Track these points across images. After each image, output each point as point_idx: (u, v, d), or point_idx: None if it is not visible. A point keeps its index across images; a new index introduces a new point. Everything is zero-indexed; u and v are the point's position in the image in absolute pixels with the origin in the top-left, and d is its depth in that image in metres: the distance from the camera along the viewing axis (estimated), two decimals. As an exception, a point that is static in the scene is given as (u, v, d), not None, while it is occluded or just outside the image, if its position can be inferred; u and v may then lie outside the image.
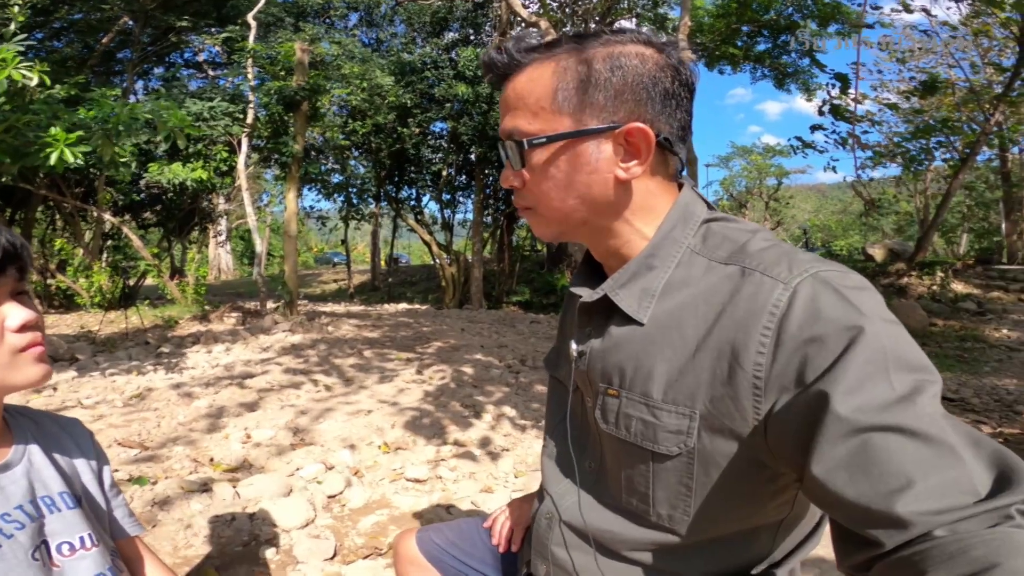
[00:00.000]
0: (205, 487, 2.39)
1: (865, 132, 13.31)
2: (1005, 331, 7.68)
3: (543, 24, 6.44)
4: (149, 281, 9.32)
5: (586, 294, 0.72)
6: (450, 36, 14.04)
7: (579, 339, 0.75)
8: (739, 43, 12.25)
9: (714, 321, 0.61)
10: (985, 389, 4.72)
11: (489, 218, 15.63)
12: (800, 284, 0.56)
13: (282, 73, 7.83)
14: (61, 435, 0.85)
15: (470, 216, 15.70)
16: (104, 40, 10.25)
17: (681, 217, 0.68)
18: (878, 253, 13.52)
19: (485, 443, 3.09)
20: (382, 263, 20.99)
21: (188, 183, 7.96)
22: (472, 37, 14.48)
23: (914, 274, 10.97)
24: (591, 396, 0.74)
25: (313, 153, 12.16)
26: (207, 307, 8.14)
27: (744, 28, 11.94)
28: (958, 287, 10.23)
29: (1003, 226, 15.69)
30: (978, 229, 17.50)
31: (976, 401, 4.33)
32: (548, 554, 0.79)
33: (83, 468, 0.85)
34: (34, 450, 0.78)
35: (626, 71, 0.63)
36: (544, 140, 0.65)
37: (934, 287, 10.24)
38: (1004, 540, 0.41)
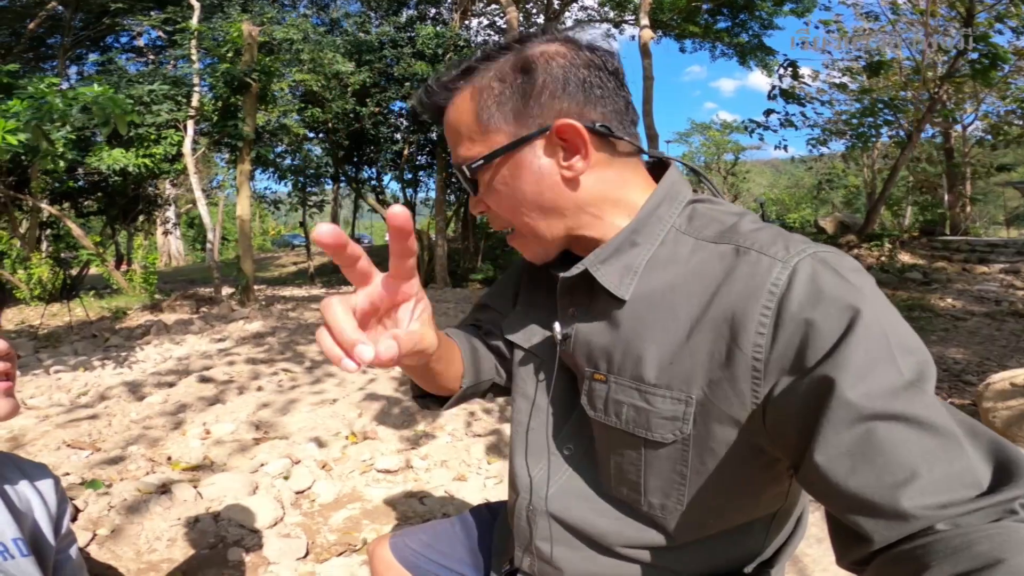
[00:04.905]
0: (164, 488, 2.29)
1: (817, 112, 13.69)
2: (950, 300, 8.04)
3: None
4: (93, 271, 8.87)
5: (566, 270, 0.69)
6: (408, 14, 13.68)
7: (563, 321, 0.72)
8: (700, 21, 12.37)
9: (708, 301, 0.58)
10: (933, 359, 4.92)
11: (452, 196, 15.47)
12: (800, 263, 0.55)
13: (229, 55, 7.46)
14: (20, 481, 0.81)
15: (432, 195, 15.52)
16: (31, 26, 9.61)
17: (667, 195, 0.67)
18: (829, 225, 13.96)
19: (456, 429, 3.06)
20: (343, 245, 20.59)
21: (131, 168, 7.57)
22: (431, 14, 14.15)
23: (864, 246, 11.40)
24: (579, 380, 0.71)
25: (267, 136, 11.73)
26: (158, 296, 7.82)
27: (705, 6, 12.02)
28: (905, 258, 10.67)
29: (946, 199, 16.40)
30: (922, 202, 18.23)
31: (926, 370, 4.50)
32: (532, 548, 0.76)
33: (40, 515, 0.82)
34: None
35: (537, 74, 0.63)
36: (481, 162, 0.65)
37: (883, 258, 10.65)
38: (1009, 535, 0.40)
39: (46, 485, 0.86)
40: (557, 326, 0.72)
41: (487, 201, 0.68)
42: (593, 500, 0.70)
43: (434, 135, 13.73)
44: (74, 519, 2.08)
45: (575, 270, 0.67)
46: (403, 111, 13.90)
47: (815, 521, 1.84)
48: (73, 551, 0.90)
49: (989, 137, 13.55)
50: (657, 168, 0.73)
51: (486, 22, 16.15)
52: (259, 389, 3.71)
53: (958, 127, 16.20)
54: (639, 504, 0.66)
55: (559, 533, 0.73)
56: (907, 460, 0.45)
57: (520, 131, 0.63)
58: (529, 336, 0.80)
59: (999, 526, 0.41)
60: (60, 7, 9.52)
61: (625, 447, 0.65)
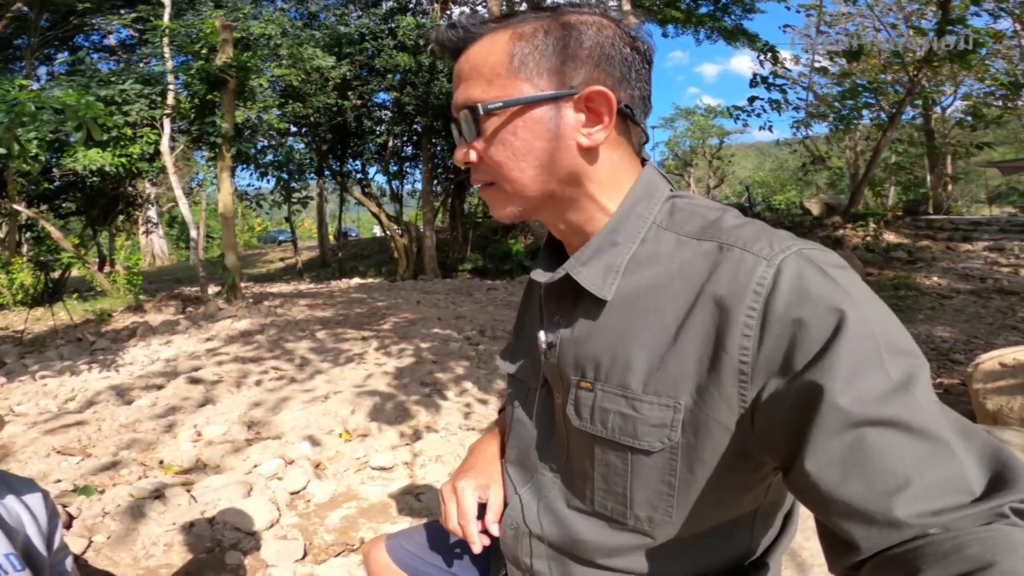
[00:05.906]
0: (158, 493, 2.26)
1: (799, 97, 13.75)
2: (936, 279, 8.14)
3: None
4: (76, 273, 8.74)
5: (547, 276, 0.68)
6: (388, 5, 13.52)
7: (548, 329, 0.71)
8: (682, 6, 12.35)
9: (693, 302, 0.57)
10: (921, 338, 4.97)
11: (439, 187, 15.39)
12: (784, 261, 0.54)
13: (204, 51, 7.32)
14: (8, 496, 0.81)
15: (419, 186, 15.45)
16: (-3, 28, 9.41)
17: (645, 192, 0.65)
18: (814, 207, 14.05)
19: (449, 423, 3.05)
20: (331, 238, 20.47)
21: (108, 169, 7.43)
22: (411, 5, 13.98)
23: (849, 226, 11.51)
24: (562, 391, 0.69)
25: (248, 132, 11.57)
26: (142, 297, 7.72)
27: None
28: (890, 237, 10.78)
29: (928, 179, 16.56)
30: (905, 182, 18.41)
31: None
32: (521, 564, 0.76)
33: (32, 530, 0.81)
34: None
35: (584, 37, 0.62)
36: (500, 105, 0.62)
37: (868, 238, 10.76)
38: (999, 538, 0.40)
39: (35, 500, 0.84)
40: (542, 335, 0.71)
41: (484, 149, 0.65)
42: (576, 517, 0.69)
43: (418, 126, 13.60)
44: (68, 526, 2.05)
45: (557, 275, 0.66)
46: (386, 103, 13.77)
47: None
48: (68, 563, 0.89)
49: (969, 119, 13.67)
50: None
51: (467, 11, 16.00)
52: (249, 388, 3.68)
53: (938, 109, 16.33)
54: (624, 518, 0.65)
55: (543, 550, 0.73)
56: (899, 467, 0.44)
57: (548, 87, 0.62)
58: (518, 356, 0.81)
59: (990, 529, 0.41)
60: (25, 8, 9.28)
61: (611, 457, 0.64)
